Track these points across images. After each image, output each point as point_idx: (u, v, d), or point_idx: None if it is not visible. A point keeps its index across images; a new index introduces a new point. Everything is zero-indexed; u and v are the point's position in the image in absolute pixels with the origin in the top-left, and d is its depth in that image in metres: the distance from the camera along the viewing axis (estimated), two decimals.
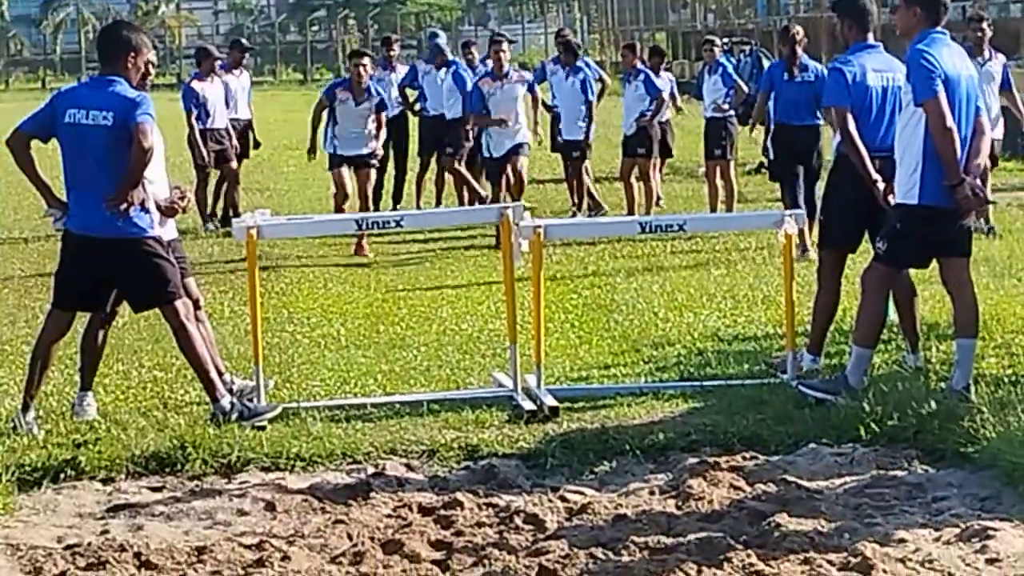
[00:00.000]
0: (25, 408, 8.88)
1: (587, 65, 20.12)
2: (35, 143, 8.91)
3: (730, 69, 18.97)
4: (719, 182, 18.00)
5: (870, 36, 9.63)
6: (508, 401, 9.36)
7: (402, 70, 20.04)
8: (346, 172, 16.17)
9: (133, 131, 8.56)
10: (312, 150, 17.20)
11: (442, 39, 19.94)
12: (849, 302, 10.84)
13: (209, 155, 18.24)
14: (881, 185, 9.22)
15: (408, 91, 19.72)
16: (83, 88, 9.33)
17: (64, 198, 8.91)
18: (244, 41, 21.77)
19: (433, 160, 19.22)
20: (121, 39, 8.94)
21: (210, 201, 18.80)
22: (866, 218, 9.45)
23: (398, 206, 19.00)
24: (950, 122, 8.52)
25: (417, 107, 19.57)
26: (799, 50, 14.67)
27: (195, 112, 18.22)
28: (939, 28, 8.80)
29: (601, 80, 20.46)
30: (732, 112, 18.30)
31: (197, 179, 18.49)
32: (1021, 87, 16.36)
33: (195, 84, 18.57)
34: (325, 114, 16.52)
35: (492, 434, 8.68)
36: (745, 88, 19.05)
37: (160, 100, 10.32)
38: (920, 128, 8.61)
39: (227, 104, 18.93)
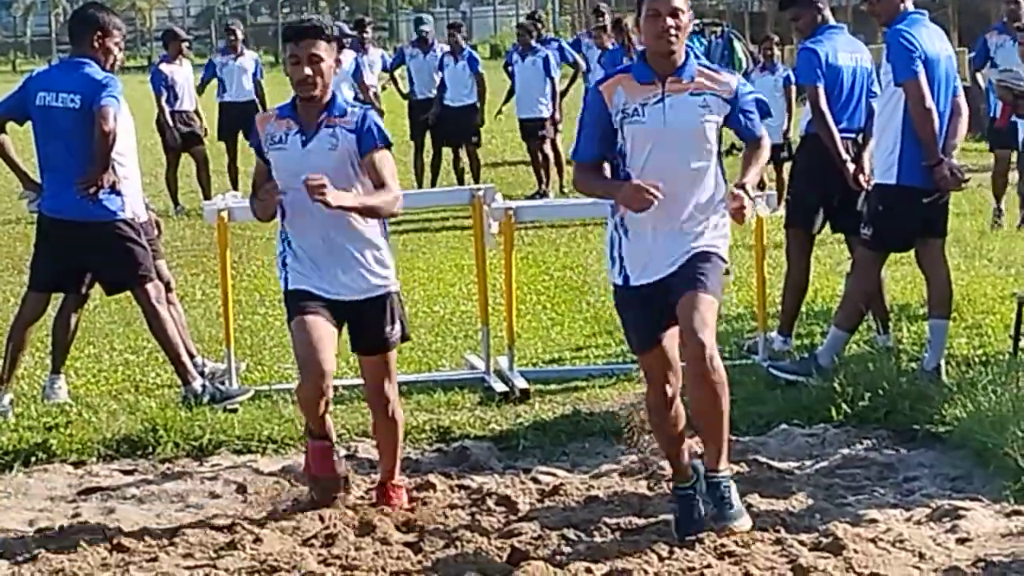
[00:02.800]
0: None
1: (560, 48, 20.18)
2: (11, 125, 8.93)
3: (698, 50, 18.99)
4: None
5: (830, 17, 9.63)
6: (480, 383, 9.35)
7: (374, 52, 20.09)
8: None
9: (96, 114, 8.54)
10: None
11: (428, 25, 20.06)
12: (819, 283, 10.87)
13: (178, 137, 18.23)
14: (851, 166, 9.24)
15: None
16: (55, 70, 9.31)
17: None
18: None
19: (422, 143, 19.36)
20: (89, 19, 8.92)
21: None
22: (833, 198, 9.46)
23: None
24: (929, 103, 8.53)
25: (406, 90, 19.82)
26: (634, 38, 17.01)
27: (164, 95, 18.18)
28: (916, 9, 8.81)
29: (575, 63, 20.43)
30: None
31: (167, 161, 18.47)
32: None
33: (163, 67, 18.52)
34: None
35: (464, 416, 8.68)
36: None
37: (130, 83, 10.29)
38: (899, 108, 8.62)
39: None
